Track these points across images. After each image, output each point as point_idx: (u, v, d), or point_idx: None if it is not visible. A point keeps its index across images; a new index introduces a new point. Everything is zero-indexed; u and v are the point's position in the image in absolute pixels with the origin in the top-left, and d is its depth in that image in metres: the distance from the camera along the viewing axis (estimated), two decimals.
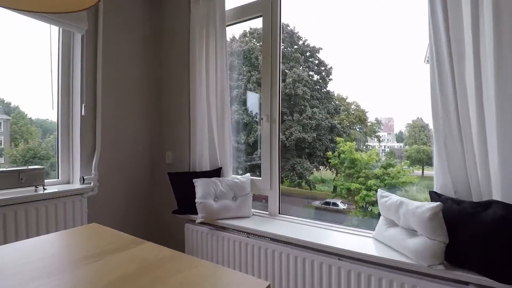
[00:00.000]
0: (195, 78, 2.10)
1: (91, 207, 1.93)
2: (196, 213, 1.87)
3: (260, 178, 2.00)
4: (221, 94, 2.05)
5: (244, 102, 2.81)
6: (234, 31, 3.10)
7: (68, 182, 1.96)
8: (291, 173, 3.16)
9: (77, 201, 1.82)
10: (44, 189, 1.70)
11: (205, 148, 2.11)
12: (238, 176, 2.02)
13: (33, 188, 1.67)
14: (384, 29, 2.26)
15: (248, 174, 2.03)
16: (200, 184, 1.91)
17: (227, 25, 2.07)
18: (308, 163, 3.16)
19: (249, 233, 1.74)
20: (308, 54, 3.37)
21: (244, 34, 2.99)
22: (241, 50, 3.00)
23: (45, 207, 1.66)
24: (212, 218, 1.86)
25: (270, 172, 1.93)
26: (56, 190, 1.72)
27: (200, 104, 2.10)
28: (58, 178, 1.94)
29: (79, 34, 1.86)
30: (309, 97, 3.20)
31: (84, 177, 1.89)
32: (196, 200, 1.86)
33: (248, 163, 2.64)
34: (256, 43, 2.93)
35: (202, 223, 1.90)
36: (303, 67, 3.32)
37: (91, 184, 1.90)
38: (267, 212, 1.98)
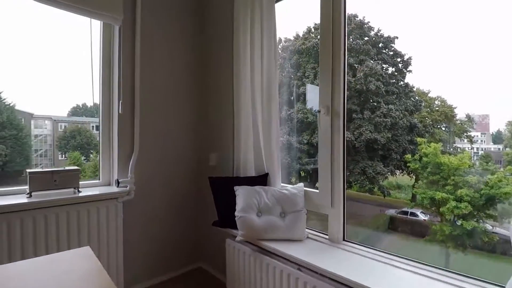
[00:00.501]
0: (239, 66, 1.76)
1: (126, 212, 1.77)
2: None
3: (317, 191, 1.52)
4: (268, 85, 1.67)
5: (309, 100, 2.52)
6: (297, 28, 2.85)
7: (109, 184, 1.85)
8: (361, 177, 2.74)
9: (112, 206, 1.67)
10: (79, 191, 1.60)
11: (249, 150, 1.75)
12: (288, 186, 1.60)
13: (69, 190, 1.57)
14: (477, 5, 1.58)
15: (301, 184, 1.58)
16: (241, 193, 1.56)
17: (276, 1, 1.68)
18: (382, 167, 2.70)
19: (301, 265, 1.29)
20: (381, 45, 2.90)
21: (308, 31, 2.76)
22: (304, 47, 2.69)
23: (77, 212, 1.54)
24: (254, 238, 1.48)
25: (331, 182, 1.45)
26: (90, 193, 1.60)
27: (244, 98, 1.75)
28: (99, 179, 1.84)
29: (117, 26, 1.73)
30: (383, 92, 2.73)
31: (120, 180, 1.74)
32: (236, 213, 1.51)
33: (312, 166, 2.32)
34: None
35: (243, 241, 1.53)
36: (375, 60, 2.87)
37: (127, 187, 1.74)
38: (326, 236, 1.49)
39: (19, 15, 1.58)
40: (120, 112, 1.76)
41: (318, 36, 2.56)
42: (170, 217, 2.05)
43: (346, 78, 1.49)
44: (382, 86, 2.61)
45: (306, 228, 1.53)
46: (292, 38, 2.76)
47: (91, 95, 1.81)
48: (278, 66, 1.65)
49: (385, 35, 2.72)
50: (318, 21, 1.53)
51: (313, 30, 2.73)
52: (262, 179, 1.69)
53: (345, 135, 1.48)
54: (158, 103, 1.97)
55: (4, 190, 1.49)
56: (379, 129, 2.57)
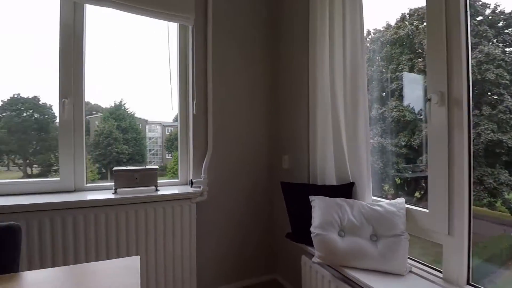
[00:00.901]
0: (315, 55, 1.51)
1: (200, 213, 1.74)
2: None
3: (427, 210, 1.12)
4: (353, 75, 1.36)
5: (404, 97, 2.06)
6: (388, 18, 2.46)
7: (186, 184, 1.87)
8: (478, 188, 2.16)
9: (186, 206, 1.65)
10: (157, 189, 1.64)
11: (329, 153, 1.47)
12: (383, 201, 1.24)
13: (149, 188, 1.63)
14: None
15: (401, 200, 1.20)
16: (318, 205, 1.29)
17: None
18: (507, 175, 2.10)
19: None
20: (501, 24, 2.27)
21: (402, 18, 2.39)
22: (397, 37, 2.33)
23: (154, 209, 1.57)
24: (335, 263, 1.19)
25: (448, 199, 1.03)
26: (167, 192, 1.62)
27: (321, 91, 1.49)
28: (178, 178, 1.88)
29: (190, 26, 1.73)
30: (508, 82, 2.11)
31: (193, 180, 1.72)
32: (312, 229, 1.25)
33: (411, 173, 1.88)
34: (419, 25, 2.20)
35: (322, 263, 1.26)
36: (493, 44, 2.21)
37: (200, 188, 1.71)
38: (439, 273, 1.07)
39: (124, 33, 1.75)
40: (194, 112, 1.75)
41: (414, 23, 2.10)
42: (244, 222, 1.94)
43: (470, 52, 1.06)
44: (506, 74, 2.00)
45: (408, 258, 1.15)
46: (382, 29, 2.36)
47: (171, 98, 1.87)
48: (365, 59, 1.32)
49: (507, 11, 2.08)
50: (413, 5, 1.14)
51: (407, 16, 2.27)
52: (345, 190, 1.38)
53: (471, 132, 1.04)
54: (231, 102, 1.89)
55: (102, 185, 1.67)
56: (504, 128, 1.95)
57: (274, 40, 2.02)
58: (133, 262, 0.72)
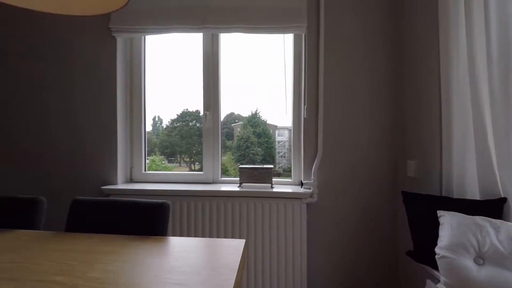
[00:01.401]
0: (449, 33, 1.23)
1: (311, 214, 1.79)
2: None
3: None
4: (502, 57, 1.02)
5: None
6: None
7: (298, 185, 1.96)
8: None
9: (296, 205, 1.75)
10: (272, 187, 1.82)
11: (470, 159, 1.17)
12: None
13: (266, 184, 1.84)
14: None
15: None
16: (449, 222, 1.06)
17: None
18: None
19: None
20: None
21: None
22: None
23: (269, 205, 1.75)
24: None
25: None
26: (279, 190, 1.77)
27: (456, 82, 1.20)
28: (291, 179, 2.01)
29: (302, 34, 1.81)
30: None
31: (303, 182, 1.78)
32: (437, 250, 1.05)
33: None
34: None
35: None
36: None
37: (310, 189, 1.75)
38: None
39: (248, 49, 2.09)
40: (305, 116, 1.82)
41: None
42: (360, 233, 1.82)
43: None
44: None
45: None
46: None
47: (285, 103, 2.02)
48: None
49: None
50: None
51: None
52: (492, 207, 1.06)
53: None
54: (345, 105, 1.82)
55: (232, 179, 2.02)
56: None
57: (396, 31, 1.78)
58: (239, 244, 0.88)
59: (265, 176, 1.83)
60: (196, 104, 2.18)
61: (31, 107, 1.97)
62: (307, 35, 1.81)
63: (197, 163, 2.32)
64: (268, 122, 2.27)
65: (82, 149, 1.93)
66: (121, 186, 1.88)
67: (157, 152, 2.31)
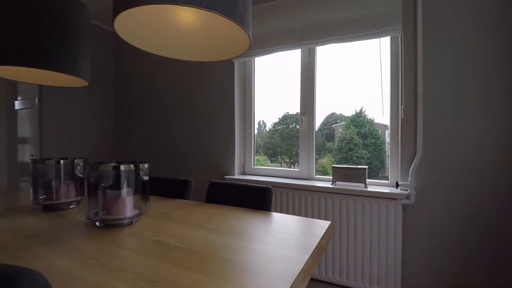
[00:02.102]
0: None
1: (407, 216, 1.77)
2: None
3: None
4: None
5: None
6: None
7: (394, 186, 1.96)
8: None
9: (391, 206, 1.77)
10: (366, 186, 1.91)
11: None
12: None
13: (360, 184, 1.94)
14: None
15: None
16: None
17: None
18: None
19: None
20: None
21: None
22: None
23: (362, 203, 1.85)
24: None
25: None
26: (373, 189, 1.84)
27: None
28: (388, 180, 2.02)
29: (397, 35, 1.81)
30: None
31: (400, 183, 1.78)
32: None
33: None
34: None
35: None
36: None
37: (407, 191, 1.74)
38: None
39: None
40: (402, 117, 1.82)
41: None
42: (469, 244, 1.67)
43: None
44: None
45: None
46: None
47: (382, 104, 2.04)
48: None
49: None
50: None
51: None
52: None
53: None
54: (449, 107, 1.71)
55: (325, 177, 2.22)
56: None
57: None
58: (326, 223, 1.11)
59: (359, 176, 1.94)
60: (296, 107, 2.33)
61: (179, 117, 2.76)
62: (404, 35, 1.81)
63: (296, 164, 2.52)
64: (376, 121, 2.08)
65: (212, 148, 2.57)
66: (237, 176, 2.40)
67: (261, 152, 2.72)
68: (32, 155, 2.84)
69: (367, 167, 1.95)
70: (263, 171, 2.47)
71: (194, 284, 0.64)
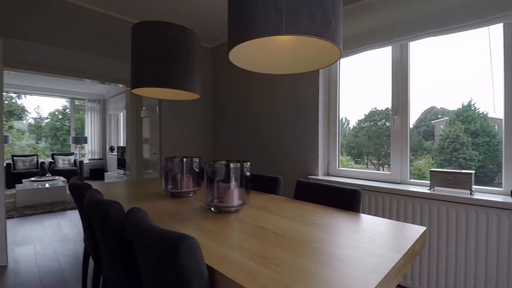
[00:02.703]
0: None
1: None
2: None
3: None
4: None
5: None
6: None
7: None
8: None
9: (504, 217, 1.53)
10: (472, 193, 1.69)
11: None
12: None
13: (464, 190, 1.74)
14: None
15: None
16: None
17: None
18: None
19: None
20: None
21: None
22: None
23: (466, 211, 1.66)
24: None
25: None
26: (481, 197, 1.62)
27: None
28: (501, 187, 1.74)
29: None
30: None
31: None
32: None
33: None
34: None
35: None
36: None
37: None
38: None
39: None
40: None
41: None
42: None
43: None
44: None
45: None
46: None
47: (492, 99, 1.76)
48: None
49: None
50: None
51: None
52: None
53: None
54: None
55: (421, 182, 2.06)
56: None
57: None
58: (420, 228, 1.09)
59: (463, 182, 1.73)
60: (385, 101, 2.15)
61: (266, 118, 3.01)
62: None
63: (386, 166, 2.34)
64: (490, 115, 1.71)
65: (296, 148, 2.71)
66: (321, 177, 2.47)
67: (343, 152, 2.65)
68: (154, 153, 3.59)
69: (473, 172, 1.73)
70: (348, 173, 2.45)
71: (296, 263, 0.79)
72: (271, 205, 1.47)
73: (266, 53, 1.22)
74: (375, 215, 2.02)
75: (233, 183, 1.25)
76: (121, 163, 6.01)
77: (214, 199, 1.31)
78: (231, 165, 1.24)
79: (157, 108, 3.46)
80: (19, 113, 9.39)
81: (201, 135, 3.78)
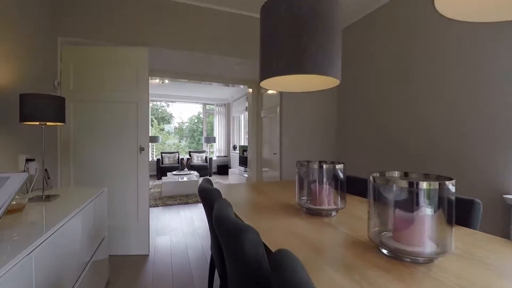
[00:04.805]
0: None
1: None
2: None
3: None
4: None
5: None
6: None
7: None
8: None
9: None
10: None
11: None
12: None
13: None
14: None
15: None
16: None
17: None
18: None
19: None
20: None
21: None
22: None
23: None
24: None
25: None
26: None
27: None
28: None
29: None
30: None
31: None
32: None
33: None
34: None
35: None
36: None
37: None
38: None
39: None
40: None
41: None
42: None
43: None
44: None
45: None
46: None
47: None
48: None
49: None
50: None
51: None
52: None
53: None
54: None
55: None
56: None
57: None
58: None
59: None
60: None
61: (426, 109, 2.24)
62: None
63: None
64: None
65: (480, 152, 1.85)
66: None
67: None
68: (274, 153, 3.41)
69: None
70: None
71: None
72: (479, 250, 0.85)
73: None
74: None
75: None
76: (242, 161, 6.34)
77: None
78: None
79: (278, 108, 3.25)
80: (168, 118, 11.68)
81: (324, 136, 3.32)
